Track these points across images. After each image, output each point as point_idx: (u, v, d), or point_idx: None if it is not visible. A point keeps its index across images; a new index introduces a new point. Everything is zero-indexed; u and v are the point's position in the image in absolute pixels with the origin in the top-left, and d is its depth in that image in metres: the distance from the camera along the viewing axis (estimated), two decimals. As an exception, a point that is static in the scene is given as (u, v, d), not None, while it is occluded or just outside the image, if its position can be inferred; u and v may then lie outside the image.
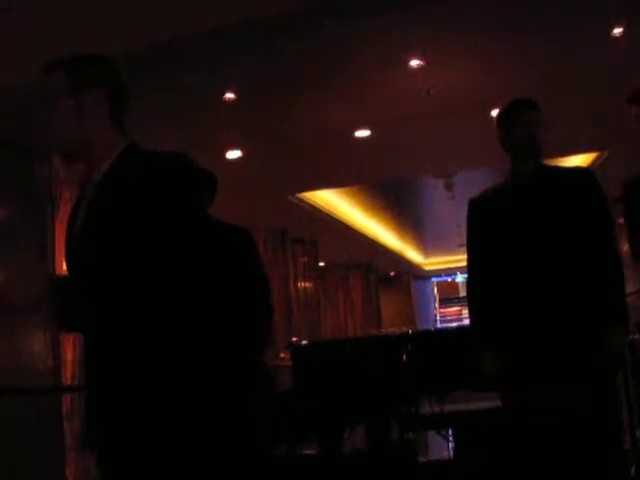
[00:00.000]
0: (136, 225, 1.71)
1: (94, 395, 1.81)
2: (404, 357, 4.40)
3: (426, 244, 14.87)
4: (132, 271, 1.71)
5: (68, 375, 5.38)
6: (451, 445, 4.85)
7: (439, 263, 16.95)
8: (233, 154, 6.69)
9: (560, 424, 2.69)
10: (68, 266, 1.90)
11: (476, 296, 2.99)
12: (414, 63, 5.21)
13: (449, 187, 8.77)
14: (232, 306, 1.84)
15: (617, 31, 4.86)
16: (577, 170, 3.25)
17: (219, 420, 1.76)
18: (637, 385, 4.26)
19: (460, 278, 17.66)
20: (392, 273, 16.85)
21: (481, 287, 2.95)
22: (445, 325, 17.44)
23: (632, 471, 4.31)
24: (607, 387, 2.77)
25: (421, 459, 4.82)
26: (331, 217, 10.06)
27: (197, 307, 1.73)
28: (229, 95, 5.40)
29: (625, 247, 9.25)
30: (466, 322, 7.69)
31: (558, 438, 2.70)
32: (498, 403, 2.97)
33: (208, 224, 1.85)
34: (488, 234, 2.93)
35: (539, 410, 2.71)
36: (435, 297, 19.05)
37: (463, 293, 16.40)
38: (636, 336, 4.28)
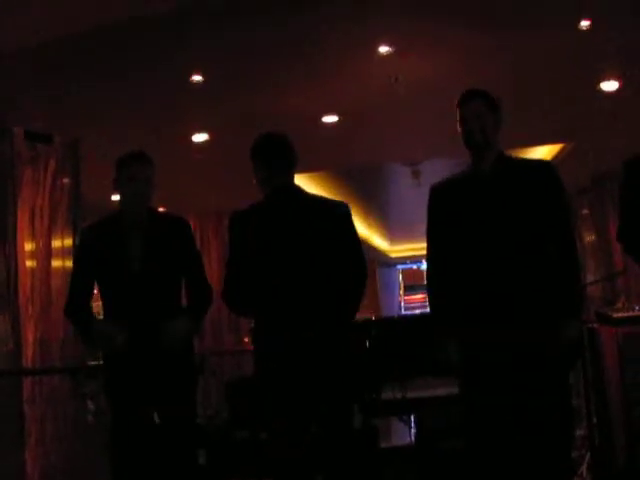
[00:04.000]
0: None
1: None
2: (367, 343, 4.42)
3: (392, 231, 14.92)
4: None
5: (29, 357, 5.30)
6: (413, 431, 4.89)
7: (405, 250, 17.01)
8: (199, 137, 6.63)
9: (515, 416, 2.75)
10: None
11: (436, 284, 3.01)
12: (383, 50, 5.20)
13: (416, 175, 8.78)
14: None
15: (584, 24, 4.90)
16: (537, 162, 3.27)
17: None
18: (595, 372, 4.33)
19: (425, 266, 17.69)
20: (358, 259, 16.86)
21: (441, 275, 2.98)
22: (409, 312, 17.54)
23: (587, 458, 4.39)
24: (561, 375, 2.83)
25: (383, 445, 4.85)
26: (298, 202, 10.01)
27: None
28: (196, 77, 5.35)
29: (593, 237, 9.35)
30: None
31: (514, 428, 2.76)
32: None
33: None
34: (449, 222, 2.94)
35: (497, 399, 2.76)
36: (400, 284, 19.14)
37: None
38: (595, 325, 4.34)
